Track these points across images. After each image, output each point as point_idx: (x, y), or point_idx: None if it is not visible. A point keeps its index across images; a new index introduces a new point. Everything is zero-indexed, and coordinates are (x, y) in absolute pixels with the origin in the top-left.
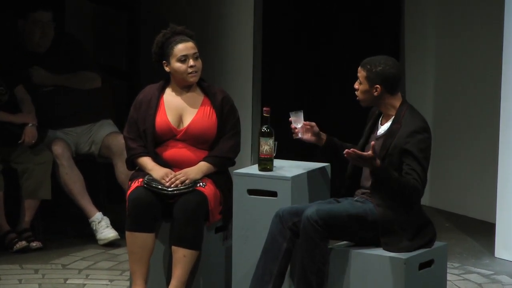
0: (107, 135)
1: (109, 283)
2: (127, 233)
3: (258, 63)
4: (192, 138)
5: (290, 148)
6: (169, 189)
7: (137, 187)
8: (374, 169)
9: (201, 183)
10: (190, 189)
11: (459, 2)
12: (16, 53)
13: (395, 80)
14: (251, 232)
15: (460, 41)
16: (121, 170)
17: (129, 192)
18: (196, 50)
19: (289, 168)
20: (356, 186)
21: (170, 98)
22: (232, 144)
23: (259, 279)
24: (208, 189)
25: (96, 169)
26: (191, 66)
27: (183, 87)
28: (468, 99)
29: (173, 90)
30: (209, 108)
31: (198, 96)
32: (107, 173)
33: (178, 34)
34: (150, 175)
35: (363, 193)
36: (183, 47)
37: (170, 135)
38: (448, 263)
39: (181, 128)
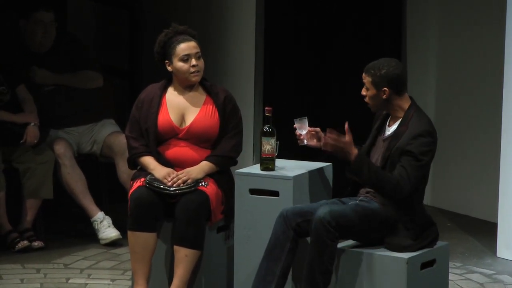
0: (109, 135)
1: (111, 282)
2: (129, 233)
3: (260, 63)
4: (194, 137)
5: (292, 147)
6: (171, 188)
7: (139, 186)
8: (350, 157)
9: (203, 183)
10: (192, 188)
11: (460, 2)
12: (18, 53)
13: (401, 80)
14: (253, 231)
15: (462, 41)
16: (123, 169)
17: (131, 191)
18: (198, 50)
19: (291, 168)
20: (361, 185)
21: (172, 97)
22: (234, 143)
23: (262, 279)
24: (210, 188)
25: (98, 168)
26: (193, 66)
27: (186, 86)
28: (469, 99)
29: (175, 89)
30: (211, 107)
31: (200, 95)
32: (109, 172)
33: (181, 34)
34: (152, 175)
35: (367, 192)
36: (185, 47)
37: (172, 134)
38: (450, 262)
39: (183, 126)
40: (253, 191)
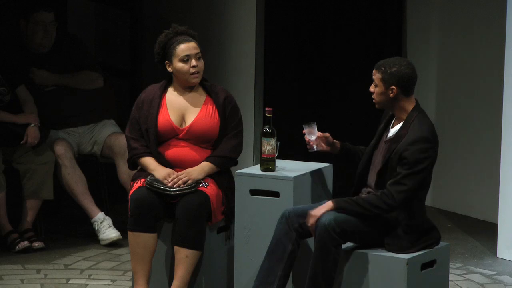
0: (109, 135)
1: (111, 283)
2: (129, 233)
3: (260, 64)
4: (195, 137)
5: (292, 148)
6: (171, 189)
7: (139, 187)
8: (330, 207)
9: (203, 183)
10: (193, 189)
11: (461, 2)
12: (18, 53)
13: (410, 81)
14: (253, 232)
15: (462, 41)
16: (123, 170)
17: (131, 192)
18: (198, 51)
19: (291, 168)
20: (364, 184)
21: (173, 97)
22: (235, 143)
23: (263, 280)
24: (210, 189)
25: (98, 169)
26: (193, 66)
27: (186, 87)
28: (470, 100)
29: (176, 89)
30: (211, 107)
31: (200, 95)
32: (109, 173)
33: (181, 34)
34: (152, 175)
35: (368, 193)
36: (185, 47)
37: (173, 134)
38: (450, 263)
39: (184, 127)
40: (254, 192)
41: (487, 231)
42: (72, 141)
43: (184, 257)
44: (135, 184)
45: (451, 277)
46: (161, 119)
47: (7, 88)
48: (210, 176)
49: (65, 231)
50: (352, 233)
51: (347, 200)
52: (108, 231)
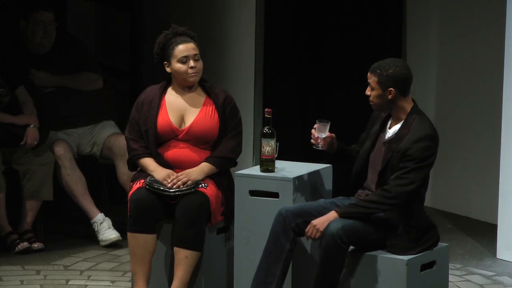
0: (108, 136)
1: (111, 284)
2: (129, 234)
3: (260, 64)
4: (194, 138)
5: (292, 149)
6: (171, 190)
7: (139, 188)
8: (336, 215)
9: (203, 184)
10: (192, 190)
11: (461, 2)
12: (18, 54)
13: (407, 81)
14: (252, 233)
15: (462, 41)
16: (123, 171)
17: (130, 193)
18: (197, 51)
19: (290, 169)
20: (360, 186)
21: (172, 98)
22: (234, 144)
23: (262, 280)
24: (210, 190)
25: (97, 170)
26: (191, 67)
27: (185, 88)
28: (470, 100)
29: (175, 90)
30: (211, 108)
31: (200, 96)
32: (109, 174)
33: (180, 35)
34: (152, 176)
35: (367, 195)
36: (183, 48)
37: (172, 135)
38: (450, 264)
39: (183, 128)
40: (253, 193)
41: (486, 232)
42: (71, 142)
43: (183, 257)
44: (134, 185)
45: (450, 278)
46: (161, 120)
47: (6, 89)
48: (209, 177)
49: (65, 232)
50: (359, 240)
51: (349, 205)
52: (107, 232)
